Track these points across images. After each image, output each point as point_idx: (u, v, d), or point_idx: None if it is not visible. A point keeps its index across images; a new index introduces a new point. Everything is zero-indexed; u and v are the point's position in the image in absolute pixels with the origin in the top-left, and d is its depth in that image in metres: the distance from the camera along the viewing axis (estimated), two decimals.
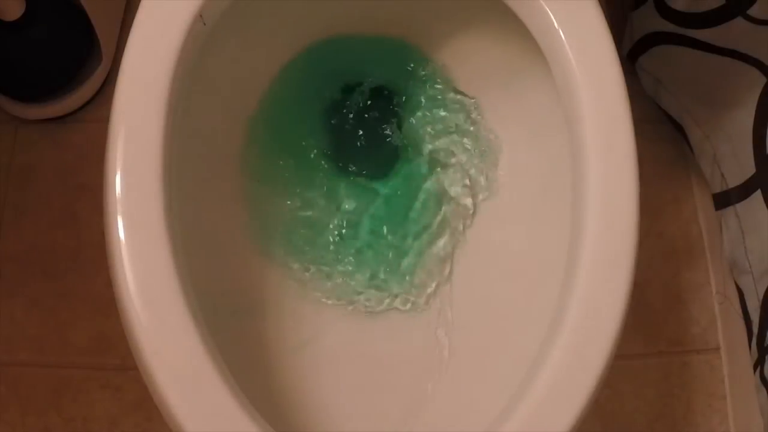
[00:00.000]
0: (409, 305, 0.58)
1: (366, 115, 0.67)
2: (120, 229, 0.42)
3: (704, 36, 0.66)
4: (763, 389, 0.61)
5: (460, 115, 0.64)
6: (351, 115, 0.66)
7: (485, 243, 0.60)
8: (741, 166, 0.66)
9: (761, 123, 0.63)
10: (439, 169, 0.63)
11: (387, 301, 0.59)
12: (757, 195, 0.63)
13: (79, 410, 0.73)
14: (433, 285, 0.59)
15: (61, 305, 0.76)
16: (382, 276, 0.59)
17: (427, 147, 0.64)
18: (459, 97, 0.64)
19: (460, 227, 0.61)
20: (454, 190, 0.62)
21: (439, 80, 0.64)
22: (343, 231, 0.61)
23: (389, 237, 0.61)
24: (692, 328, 0.76)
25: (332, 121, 0.66)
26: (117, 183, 0.43)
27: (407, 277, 0.59)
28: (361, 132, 0.66)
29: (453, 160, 0.63)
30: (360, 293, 0.59)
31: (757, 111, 0.63)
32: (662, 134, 0.81)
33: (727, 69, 0.65)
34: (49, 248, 0.78)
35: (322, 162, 0.64)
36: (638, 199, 0.44)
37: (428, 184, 0.62)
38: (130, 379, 0.73)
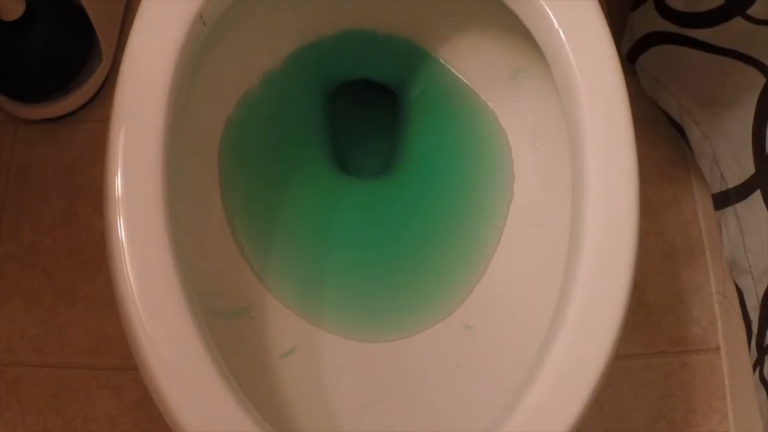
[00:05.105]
0: (407, 312, 0.58)
1: (366, 114, 0.66)
2: (120, 229, 0.42)
3: (704, 36, 0.66)
4: (763, 389, 0.61)
5: (462, 113, 0.64)
6: (351, 114, 0.66)
7: None
8: (740, 166, 0.66)
9: (761, 123, 0.63)
10: (440, 167, 0.63)
11: (384, 306, 0.58)
12: (757, 195, 0.63)
13: (79, 410, 0.73)
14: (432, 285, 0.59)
15: (61, 305, 0.76)
16: (378, 282, 0.59)
17: (428, 145, 0.64)
18: (460, 95, 0.64)
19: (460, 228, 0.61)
20: (455, 189, 0.62)
21: (441, 78, 0.64)
22: (339, 233, 0.60)
23: (386, 242, 0.60)
24: (692, 328, 0.76)
25: (331, 120, 0.65)
26: (117, 183, 0.43)
27: (404, 285, 0.59)
28: (360, 131, 0.66)
29: (454, 158, 0.63)
30: (355, 302, 0.58)
31: (756, 111, 0.63)
32: (662, 134, 0.81)
33: (727, 69, 0.65)
34: (49, 248, 0.78)
35: (320, 162, 0.63)
36: (638, 199, 0.44)
37: (429, 184, 0.62)
38: (130, 379, 0.73)
